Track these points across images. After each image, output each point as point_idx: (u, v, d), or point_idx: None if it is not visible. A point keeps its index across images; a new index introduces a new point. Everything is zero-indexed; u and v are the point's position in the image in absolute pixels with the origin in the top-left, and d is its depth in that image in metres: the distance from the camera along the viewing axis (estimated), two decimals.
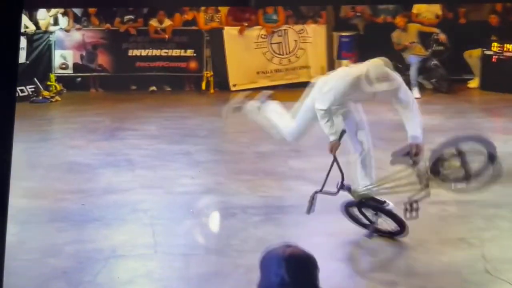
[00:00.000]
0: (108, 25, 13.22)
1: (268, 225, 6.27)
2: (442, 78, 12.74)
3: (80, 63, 13.08)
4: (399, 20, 13.09)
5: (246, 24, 13.35)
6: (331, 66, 13.43)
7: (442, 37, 12.76)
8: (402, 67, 13.02)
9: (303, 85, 13.35)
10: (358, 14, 13.94)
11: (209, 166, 8.19)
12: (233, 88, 13.05)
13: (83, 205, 6.79)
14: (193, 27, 13.39)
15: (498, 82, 12.49)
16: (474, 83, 13.19)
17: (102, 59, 13.14)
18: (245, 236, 6.00)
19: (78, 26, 13.25)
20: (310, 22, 13.75)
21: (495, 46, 12.76)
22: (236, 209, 6.63)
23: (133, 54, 13.19)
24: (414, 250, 5.64)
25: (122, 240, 5.93)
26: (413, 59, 12.76)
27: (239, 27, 13.31)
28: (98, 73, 13.19)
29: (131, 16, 13.35)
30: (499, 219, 6.33)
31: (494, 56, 12.75)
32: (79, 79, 13.26)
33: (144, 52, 13.23)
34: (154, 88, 13.18)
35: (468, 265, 5.38)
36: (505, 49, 12.62)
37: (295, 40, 13.58)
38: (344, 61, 13.28)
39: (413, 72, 12.60)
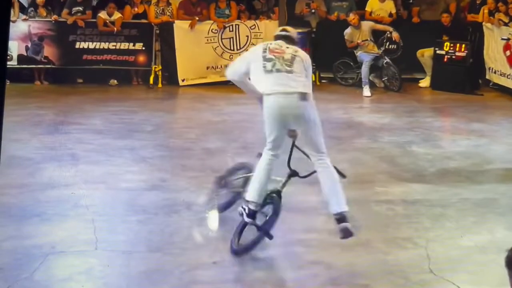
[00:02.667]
0: (55, 17, 13.03)
1: (213, 223, 6.24)
2: (394, 76, 12.90)
3: (25, 54, 12.87)
4: (352, 18, 13.20)
5: (197, 18, 13.31)
6: None
7: (395, 35, 12.92)
8: (353, 65, 13.19)
9: None
10: (313, 11, 14.01)
11: (154, 162, 8.13)
12: (182, 83, 13.04)
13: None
14: (143, 20, 13.28)
15: (449, 82, 12.72)
16: (425, 82, 13.40)
17: (48, 51, 12.95)
18: (189, 234, 5.97)
19: (24, 16, 13.02)
20: (262, 18, 13.76)
21: (447, 46, 12.97)
22: (181, 206, 6.59)
23: (81, 47, 13.04)
24: (358, 249, 5.67)
25: (62, 236, 5.84)
26: (365, 57, 12.90)
27: (190, 21, 13.25)
28: (44, 65, 12.99)
29: (80, 8, 13.19)
30: (445, 218, 6.42)
31: (445, 56, 12.96)
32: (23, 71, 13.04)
33: (92, 45, 13.09)
34: (115, 81, 13.05)
35: (412, 265, 5.44)
36: (456, 49, 12.82)
37: (247, 36, 13.59)
38: None
39: (364, 70, 12.72)
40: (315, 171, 5.66)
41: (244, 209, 5.63)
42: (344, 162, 7.63)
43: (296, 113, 5.51)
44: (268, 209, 5.74)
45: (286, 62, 5.56)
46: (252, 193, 5.63)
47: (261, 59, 5.61)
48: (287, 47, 5.69)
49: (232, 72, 5.86)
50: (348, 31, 13.13)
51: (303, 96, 5.50)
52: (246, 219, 5.61)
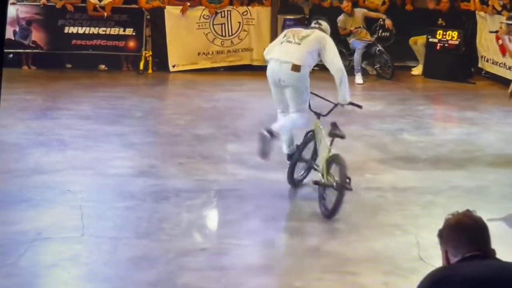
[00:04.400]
0: (44, 1, 12.92)
1: (202, 209, 6.25)
2: (386, 64, 12.88)
3: (13, 39, 12.75)
4: (346, 5, 13.15)
5: (189, 4, 13.24)
6: None
7: (388, 23, 12.89)
8: (346, 52, 13.13)
9: (245, 67, 13.56)
10: None
11: (143, 148, 8.10)
12: (172, 69, 12.99)
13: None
14: (134, 6, 13.20)
15: (441, 70, 12.71)
16: (417, 70, 13.39)
17: (37, 35, 12.85)
18: (177, 220, 5.96)
19: (12, 0, 12.92)
20: (255, 4, 13.70)
21: (440, 34, 12.95)
22: (170, 193, 6.58)
23: (70, 31, 12.95)
24: (348, 236, 5.68)
25: (49, 222, 5.82)
26: (357, 45, 12.87)
27: (181, 7, 13.18)
28: (32, 50, 12.90)
29: None
30: (435, 206, 6.42)
31: (438, 44, 12.95)
32: (11, 55, 12.94)
33: (81, 30, 13.00)
34: (103, 66, 13.00)
35: (402, 252, 5.45)
36: (448, 37, 12.80)
37: (239, 22, 13.53)
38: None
39: (357, 57, 12.70)
40: (336, 105, 6.69)
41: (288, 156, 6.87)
42: (335, 149, 7.64)
43: (285, 79, 6.50)
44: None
45: (298, 37, 6.57)
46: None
47: (282, 37, 6.73)
48: (311, 31, 6.69)
49: (266, 52, 6.88)
50: (341, 18, 13.09)
51: (296, 67, 6.42)
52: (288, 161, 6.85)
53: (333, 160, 6.25)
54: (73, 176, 6.95)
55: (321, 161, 6.40)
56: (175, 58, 13.08)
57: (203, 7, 13.32)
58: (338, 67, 6.53)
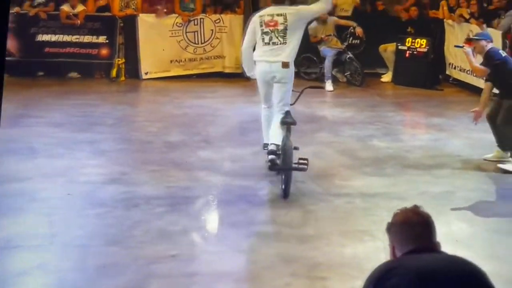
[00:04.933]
0: (17, 8, 12.80)
1: (172, 216, 6.18)
2: (356, 71, 12.93)
3: None
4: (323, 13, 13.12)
5: (165, 10, 13.19)
6: None
7: (359, 30, 12.96)
8: (316, 60, 13.18)
9: (217, 74, 13.53)
10: None
11: (114, 155, 8.03)
12: (144, 76, 12.94)
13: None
14: (107, 13, 13.13)
15: (410, 77, 12.79)
16: (387, 77, 13.46)
17: (9, 43, 12.70)
18: (147, 227, 5.90)
19: None
20: (227, 12, 13.69)
21: (409, 42, 13.03)
22: (140, 200, 6.52)
23: (42, 39, 12.84)
24: (317, 242, 5.66)
25: (18, 230, 5.73)
26: (328, 52, 12.91)
27: (156, 12, 13.10)
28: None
29: (42, 0, 12.99)
30: None
31: (407, 51, 13.02)
32: None
33: (54, 38, 12.91)
34: (75, 74, 12.88)
35: (370, 257, 5.43)
36: (417, 44, 12.89)
37: (211, 30, 13.51)
38: None
39: (327, 65, 12.73)
40: (302, 91, 7.38)
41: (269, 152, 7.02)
42: (305, 155, 7.64)
43: (278, 75, 7.11)
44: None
45: (280, 34, 7.07)
46: (270, 137, 7.14)
47: (260, 32, 7.12)
48: (278, 15, 7.10)
49: (243, 46, 7.36)
50: (313, 25, 13.10)
51: (285, 64, 7.08)
52: (270, 157, 6.93)
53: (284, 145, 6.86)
54: (43, 184, 6.86)
55: None
56: (148, 65, 13.04)
57: (176, 15, 13.29)
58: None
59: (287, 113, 7.10)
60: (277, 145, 6.96)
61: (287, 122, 7.00)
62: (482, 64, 8.08)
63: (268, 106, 7.41)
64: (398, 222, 2.89)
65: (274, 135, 7.05)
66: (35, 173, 7.19)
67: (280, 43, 7.07)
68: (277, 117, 7.12)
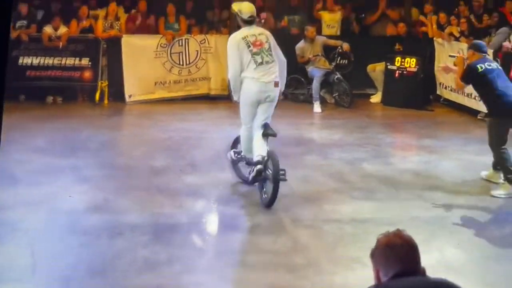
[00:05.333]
0: None
1: (157, 245, 6.15)
2: (345, 92, 12.95)
3: None
4: (311, 31, 13.19)
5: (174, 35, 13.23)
6: None
7: (346, 46, 12.96)
8: (304, 81, 13.20)
9: (203, 97, 13.51)
10: (262, 21, 13.91)
11: (98, 181, 7.99)
12: (128, 99, 12.90)
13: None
14: (90, 35, 13.12)
15: (400, 97, 12.81)
16: (376, 98, 13.48)
17: None
18: (132, 256, 5.87)
19: None
20: (213, 32, 13.71)
21: (398, 61, 13.09)
22: (124, 228, 6.48)
23: (24, 62, 12.80)
24: (306, 270, 5.64)
25: None
26: (316, 73, 12.92)
27: (139, 35, 13.14)
28: None
29: (24, 22, 12.98)
30: None
31: (397, 71, 13.07)
32: None
33: (36, 60, 12.87)
34: (58, 98, 12.83)
35: (360, 286, 5.39)
36: (407, 64, 12.93)
37: (197, 50, 13.51)
38: None
39: (315, 85, 12.74)
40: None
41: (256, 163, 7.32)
42: (293, 180, 7.66)
43: (270, 95, 7.47)
44: None
45: (268, 52, 7.41)
46: (255, 150, 7.43)
47: (249, 53, 7.33)
48: (259, 34, 7.45)
49: (233, 73, 7.45)
50: (300, 45, 13.15)
51: (276, 83, 7.46)
52: (259, 167, 7.26)
53: (268, 157, 7.21)
54: (24, 213, 6.81)
55: None
56: (132, 88, 13.00)
57: (161, 36, 13.29)
58: (283, 59, 7.64)
59: (267, 125, 7.46)
60: (263, 156, 7.27)
61: (269, 134, 7.43)
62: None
63: (250, 126, 7.61)
64: (381, 246, 2.91)
65: (259, 147, 7.37)
66: (16, 202, 7.13)
67: (271, 61, 7.40)
68: (258, 131, 7.46)
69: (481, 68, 7.90)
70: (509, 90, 7.79)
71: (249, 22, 7.45)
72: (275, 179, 7.00)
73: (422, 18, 13.99)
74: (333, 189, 7.95)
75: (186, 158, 9.11)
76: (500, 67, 8.24)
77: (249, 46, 7.31)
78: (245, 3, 7.65)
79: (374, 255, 2.95)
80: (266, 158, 7.24)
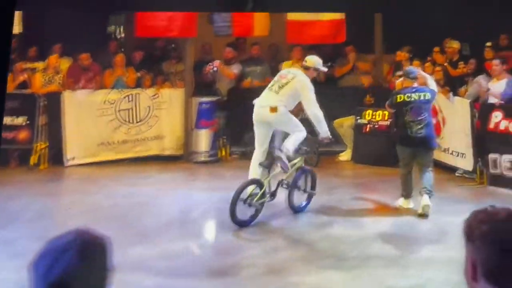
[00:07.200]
0: None
1: None
2: (311, 150, 12.87)
3: None
4: None
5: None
6: (188, 137, 13.36)
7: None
8: None
9: (154, 158, 13.35)
10: (215, 69, 13.90)
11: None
12: (70, 162, 12.65)
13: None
14: (28, 90, 12.94)
15: (371, 154, 12.82)
16: (345, 156, 13.47)
17: None
18: None
19: None
20: (166, 85, 13.63)
21: (368, 114, 13.13)
22: None
23: None
24: None
25: None
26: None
27: (83, 90, 13.00)
28: None
29: None
30: None
31: (367, 126, 13.10)
32: None
33: None
34: None
35: None
36: (378, 117, 12.96)
37: (148, 106, 13.39)
38: (203, 131, 13.25)
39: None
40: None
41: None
42: (254, 248, 7.56)
43: (270, 120, 9.43)
44: None
45: (279, 85, 9.47)
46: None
47: (272, 83, 9.69)
48: (293, 76, 9.53)
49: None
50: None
51: (272, 109, 9.28)
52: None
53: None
54: None
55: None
56: (73, 149, 12.77)
57: (108, 91, 13.15)
58: (311, 112, 9.54)
59: (273, 155, 9.79)
60: (251, 180, 9.38)
61: (260, 164, 9.61)
62: None
63: (258, 150, 9.79)
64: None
65: (252, 171, 9.60)
66: None
67: (274, 91, 9.48)
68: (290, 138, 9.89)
69: (400, 98, 9.85)
70: (413, 125, 9.68)
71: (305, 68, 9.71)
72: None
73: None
74: (299, 258, 7.91)
75: (133, 227, 8.95)
76: (424, 99, 9.75)
77: (274, 80, 9.61)
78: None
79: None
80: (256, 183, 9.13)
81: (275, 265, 7.62)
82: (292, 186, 9.64)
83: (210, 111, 13.54)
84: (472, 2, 11.79)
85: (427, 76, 10.45)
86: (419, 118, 9.68)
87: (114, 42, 14.82)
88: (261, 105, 9.37)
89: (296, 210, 9.65)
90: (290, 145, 9.54)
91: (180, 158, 13.27)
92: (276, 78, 9.63)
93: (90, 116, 12.93)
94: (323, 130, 9.63)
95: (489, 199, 9.63)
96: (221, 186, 11.00)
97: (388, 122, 12.90)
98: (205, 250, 8.06)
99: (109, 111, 13.12)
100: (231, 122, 13.57)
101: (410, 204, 9.85)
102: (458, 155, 11.91)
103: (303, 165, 9.92)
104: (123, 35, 15.89)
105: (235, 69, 14.25)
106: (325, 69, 10.50)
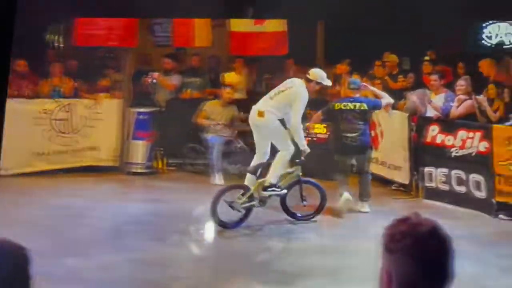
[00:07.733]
0: None
1: None
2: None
3: None
4: (228, 92, 13.34)
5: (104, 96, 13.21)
6: (124, 148, 13.36)
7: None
8: (204, 150, 13.11)
9: (90, 169, 13.22)
10: (154, 80, 13.96)
11: None
12: (3, 173, 12.49)
13: None
14: None
15: (309, 167, 12.85)
16: None
17: None
18: None
19: None
20: (104, 96, 13.61)
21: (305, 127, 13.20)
22: None
23: None
24: None
25: None
26: (214, 141, 12.95)
27: (19, 99, 12.89)
28: None
29: None
30: None
31: (305, 138, 13.15)
32: None
33: None
34: None
35: None
36: (317, 130, 13.04)
37: (84, 117, 13.34)
38: (139, 142, 13.25)
39: (215, 155, 12.67)
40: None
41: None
42: (191, 261, 7.53)
43: (255, 123, 9.92)
44: None
45: (276, 92, 9.94)
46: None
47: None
48: (291, 85, 9.89)
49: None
50: (211, 103, 13.30)
51: (260, 113, 9.75)
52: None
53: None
54: None
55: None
56: (5, 160, 12.61)
57: (45, 100, 13.09)
58: (293, 123, 9.74)
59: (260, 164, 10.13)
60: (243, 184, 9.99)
61: (247, 170, 10.17)
62: None
63: (257, 155, 10.15)
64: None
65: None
66: None
67: (268, 97, 9.96)
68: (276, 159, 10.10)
69: (337, 106, 10.67)
70: (348, 134, 10.44)
71: (307, 80, 9.98)
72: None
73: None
74: (238, 271, 7.91)
75: (65, 239, 8.92)
76: (359, 109, 10.49)
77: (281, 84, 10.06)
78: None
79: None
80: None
81: (211, 277, 7.68)
82: (283, 196, 10.04)
83: (147, 122, 13.55)
84: (413, 16, 12.01)
85: (382, 93, 11.09)
86: (354, 127, 10.33)
87: (52, 51, 14.76)
88: (253, 109, 9.88)
89: (295, 218, 10.16)
90: (273, 178, 9.84)
91: (116, 169, 13.24)
92: (279, 85, 10.07)
93: (25, 125, 12.75)
94: (301, 143, 9.97)
95: (424, 212, 9.76)
96: (155, 198, 11.03)
97: (326, 136, 12.98)
98: (138, 262, 8.07)
99: (45, 121, 13.03)
100: (169, 134, 13.57)
101: (349, 196, 10.46)
102: (395, 168, 12.14)
103: (300, 174, 10.22)
104: (62, 44, 15.79)
105: (174, 80, 14.26)
106: (329, 83, 10.49)
